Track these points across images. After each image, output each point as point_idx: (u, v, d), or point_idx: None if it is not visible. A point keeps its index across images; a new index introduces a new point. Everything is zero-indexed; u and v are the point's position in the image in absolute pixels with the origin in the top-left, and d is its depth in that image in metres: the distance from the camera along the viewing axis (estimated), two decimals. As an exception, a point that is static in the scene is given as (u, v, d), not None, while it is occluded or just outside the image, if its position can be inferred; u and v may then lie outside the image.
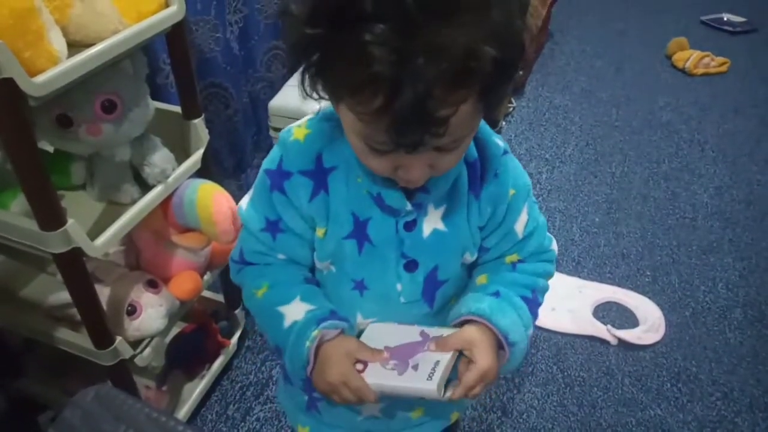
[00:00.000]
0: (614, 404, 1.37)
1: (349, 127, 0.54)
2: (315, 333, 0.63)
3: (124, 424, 0.57)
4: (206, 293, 1.39)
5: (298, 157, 0.63)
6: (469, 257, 0.69)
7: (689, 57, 2.74)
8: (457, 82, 0.45)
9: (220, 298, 1.42)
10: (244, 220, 0.69)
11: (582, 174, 2.11)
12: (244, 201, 0.69)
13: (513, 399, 1.37)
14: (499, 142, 0.66)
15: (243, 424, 1.30)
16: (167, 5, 0.93)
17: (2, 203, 0.91)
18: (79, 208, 1.00)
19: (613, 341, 1.51)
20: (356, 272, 0.67)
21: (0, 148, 0.88)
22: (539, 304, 0.70)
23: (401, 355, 0.63)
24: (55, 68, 0.75)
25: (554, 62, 2.84)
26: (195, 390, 1.27)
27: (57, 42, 0.77)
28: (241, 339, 1.42)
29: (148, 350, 1.06)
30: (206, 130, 1.12)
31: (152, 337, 1.06)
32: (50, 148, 0.99)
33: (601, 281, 1.68)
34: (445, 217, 0.64)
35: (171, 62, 1.08)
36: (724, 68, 2.76)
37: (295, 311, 0.65)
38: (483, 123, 0.65)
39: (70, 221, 0.84)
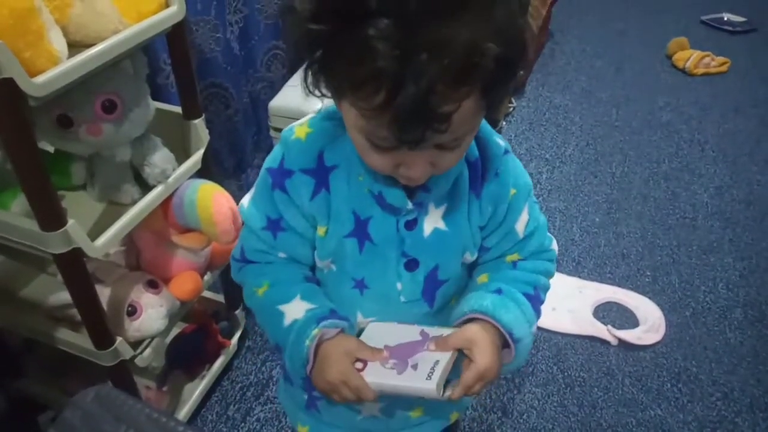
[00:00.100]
0: (614, 404, 1.37)
1: (351, 124, 0.54)
2: (315, 332, 0.63)
3: (125, 424, 0.57)
4: (206, 293, 1.39)
5: (300, 155, 0.64)
6: (470, 257, 0.69)
7: (689, 57, 2.74)
8: (459, 78, 0.45)
9: (220, 298, 1.42)
10: (245, 218, 0.69)
11: (582, 174, 2.11)
12: (246, 199, 0.69)
13: (513, 399, 1.37)
14: (500, 141, 0.66)
15: (243, 424, 1.30)
16: (167, 5, 0.93)
17: (3, 203, 0.91)
18: (80, 209, 1.00)
19: (614, 341, 1.51)
20: (357, 271, 0.67)
21: (0, 148, 0.88)
22: (542, 302, 0.70)
23: (401, 355, 0.63)
24: (55, 68, 0.75)
25: (554, 62, 2.84)
26: (195, 390, 1.27)
27: (57, 42, 0.77)
28: (241, 339, 1.42)
29: (148, 351, 1.06)
30: (206, 131, 1.12)
31: (152, 338, 1.06)
32: (50, 149, 0.99)
33: (602, 281, 1.68)
34: (445, 217, 0.65)
35: (171, 62, 1.08)
36: (724, 68, 2.75)
37: (295, 310, 0.66)
38: (484, 122, 0.65)
39: (71, 221, 0.84)
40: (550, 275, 0.72)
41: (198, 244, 1.11)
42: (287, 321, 0.65)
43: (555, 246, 0.73)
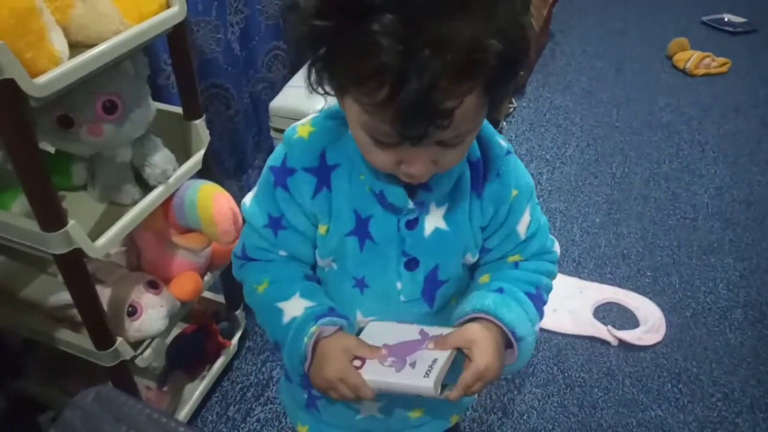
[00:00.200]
0: (615, 405, 1.37)
1: (353, 120, 0.54)
2: (313, 329, 0.63)
3: (125, 425, 0.57)
4: (207, 294, 1.39)
5: (302, 154, 0.64)
6: (471, 257, 0.69)
7: (690, 57, 2.74)
8: (462, 74, 0.45)
9: (220, 298, 1.42)
10: (247, 216, 0.69)
11: (582, 174, 2.11)
12: (249, 197, 0.70)
13: (513, 400, 1.37)
14: (503, 142, 0.67)
15: (243, 425, 1.30)
16: (168, 6, 0.93)
17: (3, 204, 0.91)
18: (80, 209, 1.00)
19: (614, 342, 1.50)
20: (357, 270, 0.67)
21: (1, 149, 0.88)
22: (544, 302, 0.70)
23: (399, 353, 0.63)
24: (56, 69, 0.76)
25: (555, 63, 2.84)
26: (195, 391, 1.27)
27: (58, 42, 0.77)
28: (241, 340, 1.42)
29: (148, 351, 1.06)
30: (207, 131, 1.12)
31: (153, 338, 1.06)
32: (51, 149, 0.99)
33: (602, 282, 1.68)
34: (447, 216, 0.65)
35: (172, 63, 1.08)
36: (724, 69, 2.75)
37: (294, 307, 0.66)
38: (487, 123, 0.65)
39: (71, 222, 0.84)
40: (552, 276, 0.72)
41: (198, 244, 1.11)
42: (286, 318, 0.66)
43: (557, 248, 0.73)
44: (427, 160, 0.54)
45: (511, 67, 0.48)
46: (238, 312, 1.41)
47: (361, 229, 0.64)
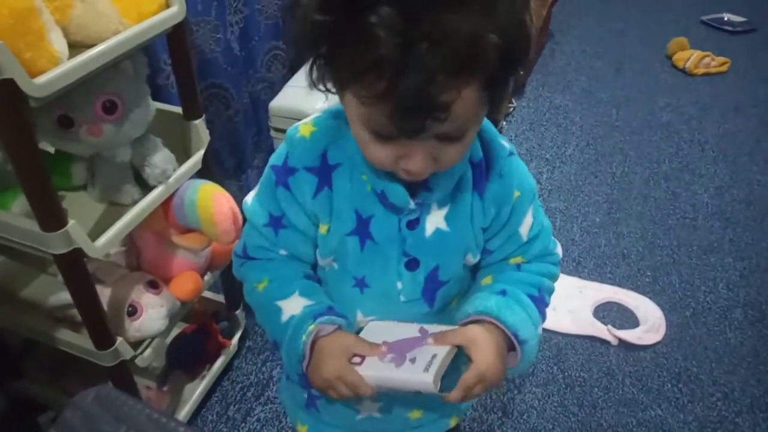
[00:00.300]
0: (615, 405, 1.37)
1: (353, 116, 0.54)
2: (311, 327, 0.63)
3: (125, 425, 0.57)
4: (207, 294, 1.39)
5: (304, 153, 0.64)
6: (472, 258, 0.69)
7: (689, 57, 2.74)
8: (459, 68, 0.46)
9: (220, 298, 1.42)
10: (248, 214, 0.69)
11: (582, 174, 2.11)
12: (250, 196, 0.70)
13: (513, 399, 1.37)
14: (505, 143, 0.66)
15: (244, 424, 1.30)
16: (168, 6, 0.93)
17: (3, 204, 0.91)
18: (80, 209, 1.00)
19: (614, 341, 1.51)
20: (358, 269, 0.67)
21: (1, 149, 0.88)
22: (546, 304, 0.70)
23: (399, 349, 0.63)
24: (55, 69, 0.75)
25: (554, 62, 2.84)
26: (196, 390, 1.27)
27: (58, 42, 0.77)
28: (241, 339, 1.42)
29: (148, 351, 1.06)
30: (207, 131, 1.12)
31: (153, 338, 1.06)
32: (51, 149, 0.99)
33: (602, 281, 1.68)
34: (448, 217, 0.65)
35: (172, 63, 1.08)
36: (724, 68, 2.75)
37: (293, 306, 0.66)
38: (489, 124, 0.65)
39: (71, 222, 0.84)
40: (554, 278, 0.72)
41: (198, 244, 1.11)
42: (285, 317, 0.66)
43: (559, 249, 0.73)
44: (427, 156, 0.54)
45: (511, 63, 0.48)
46: (238, 312, 1.41)
47: (362, 229, 0.64)
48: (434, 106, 0.47)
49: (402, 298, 0.68)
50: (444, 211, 0.64)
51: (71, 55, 0.79)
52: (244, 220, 0.71)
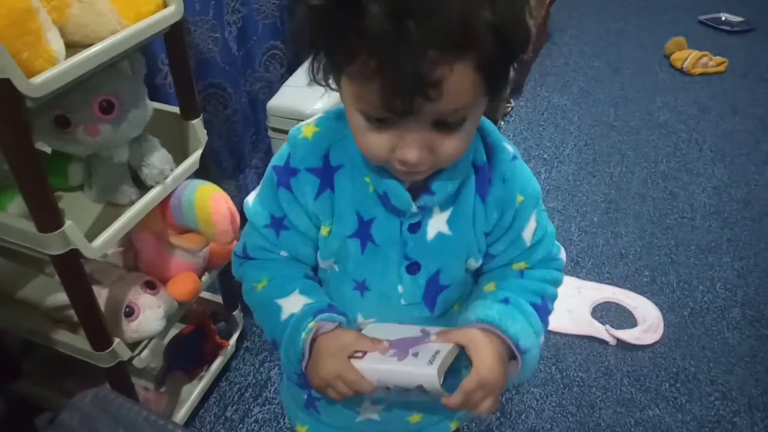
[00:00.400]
0: (613, 404, 1.37)
1: (349, 103, 0.54)
2: (311, 325, 0.63)
3: (122, 426, 0.57)
4: (205, 294, 1.39)
5: (306, 154, 0.64)
6: (474, 263, 0.68)
7: (687, 57, 2.74)
8: (451, 43, 0.45)
9: (218, 299, 1.42)
10: (249, 215, 0.69)
11: (580, 174, 2.11)
12: (251, 197, 0.69)
13: (512, 399, 1.37)
14: (509, 147, 0.66)
15: (241, 425, 1.29)
16: (165, 5, 0.93)
17: (0, 205, 0.91)
18: (77, 210, 1.00)
19: (612, 341, 1.51)
20: (358, 272, 0.67)
21: (-3, 149, 0.88)
22: (549, 312, 0.69)
23: (402, 345, 0.62)
24: (53, 69, 0.75)
25: (552, 62, 2.84)
26: (193, 391, 1.27)
27: (55, 42, 0.77)
28: (239, 340, 1.42)
29: (146, 352, 1.06)
30: (204, 131, 1.12)
31: (150, 339, 1.06)
32: (48, 149, 0.98)
33: (600, 281, 1.68)
34: (450, 221, 0.64)
35: (169, 63, 1.08)
36: (722, 68, 2.76)
37: (293, 304, 0.65)
38: (494, 128, 0.65)
39: (68, 223, 0.84)
40: (558, 284, 0.71)
41: (196, 244, 1.11)
42: (284, 315, 0.65)
43: (563, 254, 0.72)
44: (422, 144, 0.52)
45: (506, 47, 0.48)
46: (236, 312, 1.40)
47: (363, 232, 0.64)
48: (425, 82, 0.46)
49: (402, 302, 0.67)
50: (446, 215, 0.64)
51: (68, 55, 0.79)
52: (244, 220, 0.71)
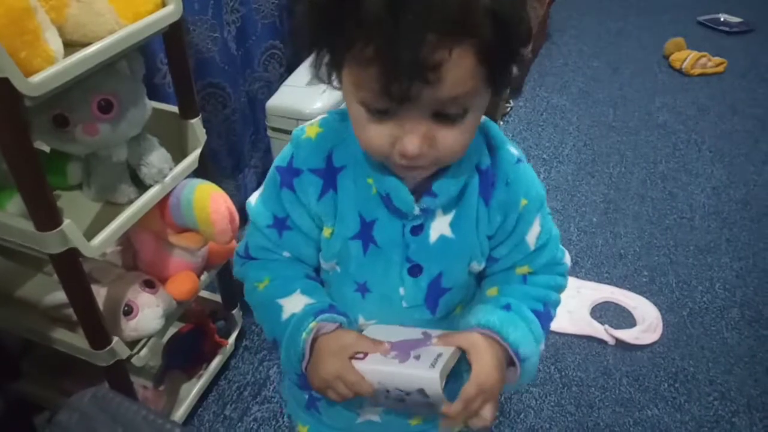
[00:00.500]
0: (612, 404, 1.37)
1: (349, 95, 0.54)
2: (312, 325, 0.62)
3: (121, 425, 0.57)
4: (203, 293, 1.39)
5: (309, 155, 0.63)
6: (476, 266, 0.68)
7: (686, 57, 2.74)
8: (449, 28, 0.45)
9: (217, 298, 1.42)
10: (252, 215, 0.69)
11: (579, 174, 2.11)
12: (254, 196, 0.69)
13: (510, 399, 1.37)
14: (514, 150, 0.65)
15: (240, 424, 1.29)
16: (164, 5, 0.93)
17: (-2, 203, 0.91)
18: (76, 209, 1.00)
19: (611, 341, 1.51)
20: (360, 274, 0.67)
21: (-4, 148, 0.88)
22: (551, 319, 0.69)
23: (403, 347, 0.62)
24: (51, 68, 0.75)
25: (552, 62, 2.84)
26: (192, 390, 1.27)
27: (53, 42, 0.77)
28: (238, 339, 1.42)
29: (145, 350, 1.06)
30: (203, 130, 1.12)
31: (149, 338, 1.06)
32: (46, 148, 0.98)
33: (599, 281, 1.68)
34: (453, 224, 0.64)
35: (168, 62, 1.08)
36: (721, 68, 2.76)
37: (294, 304, 0.65)
38: (498, 131, 0.64)
39: (67, 222, 0.84)
40: (561, 290, 0.71)
41: (195, 244, 1.11)
42: (285, 315, 0.65)
43: (567, 259, 0.71)
44: (422, 135, 0.52)
45: (505, 33, 0.48)
46: (234, 311, 1.41)
47: (365, 233, 0.64)
48: (424, 65, 0.46)
49: (404, 304, 0.67)
50: (449, 218, 0.63)
51: (67, 54, 0.79)
52: (244, 220, 0.71)
